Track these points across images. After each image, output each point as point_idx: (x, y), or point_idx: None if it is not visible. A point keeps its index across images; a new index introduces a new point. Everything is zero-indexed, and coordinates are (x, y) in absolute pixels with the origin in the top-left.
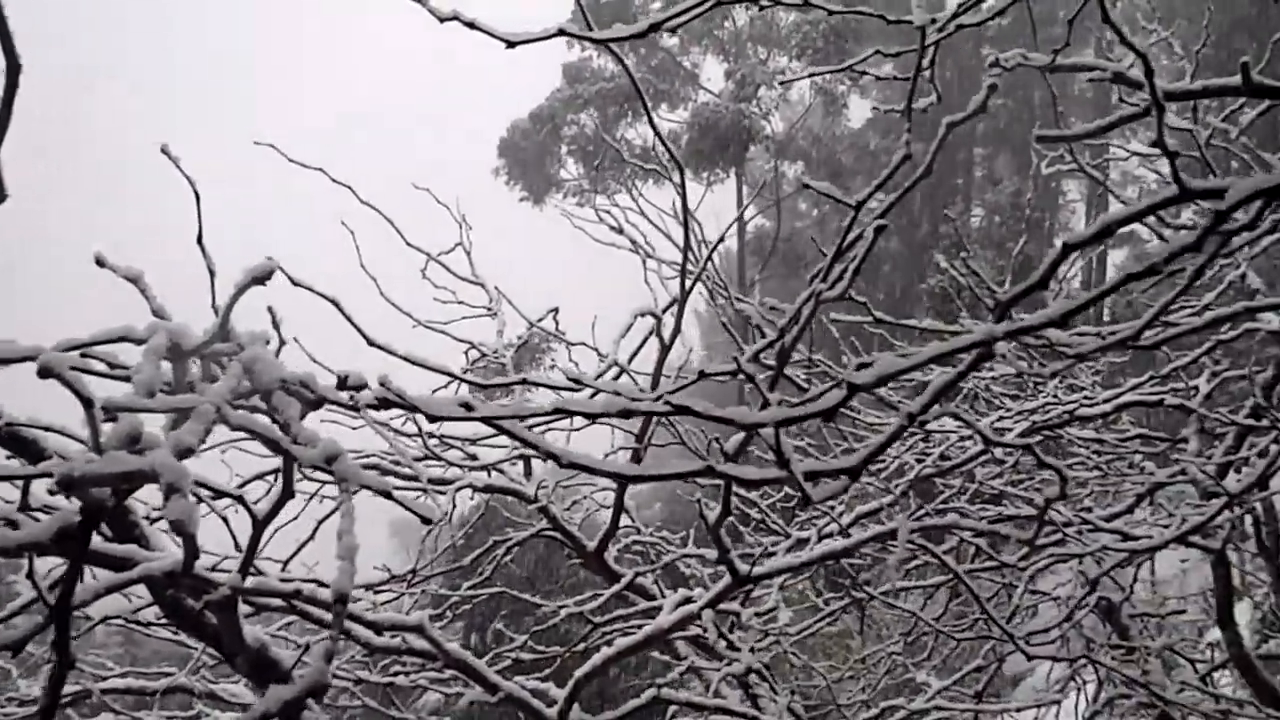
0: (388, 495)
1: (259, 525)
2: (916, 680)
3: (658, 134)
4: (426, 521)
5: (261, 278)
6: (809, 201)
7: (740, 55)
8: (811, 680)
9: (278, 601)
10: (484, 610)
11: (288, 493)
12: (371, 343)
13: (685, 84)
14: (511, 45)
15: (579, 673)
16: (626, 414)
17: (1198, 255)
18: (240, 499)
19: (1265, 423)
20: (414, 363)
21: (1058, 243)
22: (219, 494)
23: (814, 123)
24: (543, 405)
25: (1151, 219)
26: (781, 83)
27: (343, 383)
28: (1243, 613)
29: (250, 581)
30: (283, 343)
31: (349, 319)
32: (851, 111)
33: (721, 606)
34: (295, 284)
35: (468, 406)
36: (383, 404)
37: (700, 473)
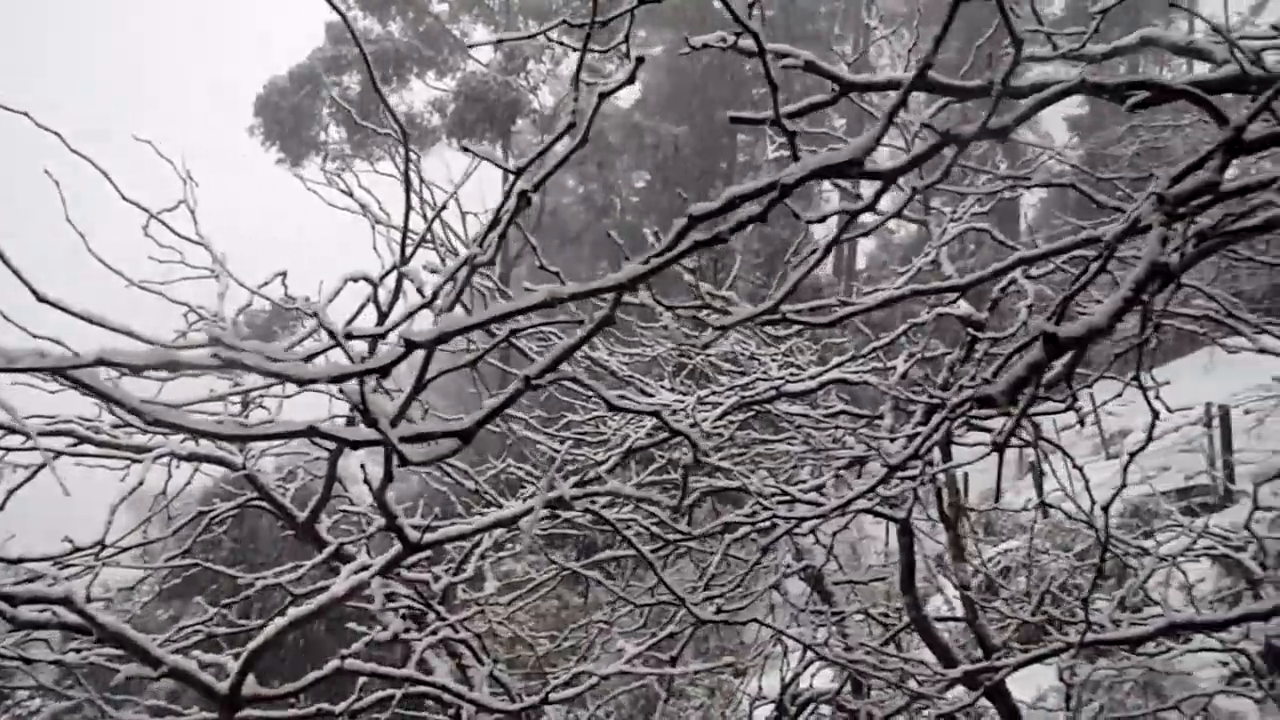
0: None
1: None
2: (616, 647)
3: (390, 110)
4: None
5: None
6: (575, 177)
7: (510, 26)
8: (533, 651)
9: None
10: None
11: None
12: (41, 298)
13: (454, 52)
14: None
15: (251, 645)
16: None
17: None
18: None
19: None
20: (91, 321)
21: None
22: None
23: (583, 99)
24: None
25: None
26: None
27: None
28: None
29: None
30: None
31: (16, 273)
32: (620, 90)
33: (412, 576)
34: None
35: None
36: None
37: (302, 433)
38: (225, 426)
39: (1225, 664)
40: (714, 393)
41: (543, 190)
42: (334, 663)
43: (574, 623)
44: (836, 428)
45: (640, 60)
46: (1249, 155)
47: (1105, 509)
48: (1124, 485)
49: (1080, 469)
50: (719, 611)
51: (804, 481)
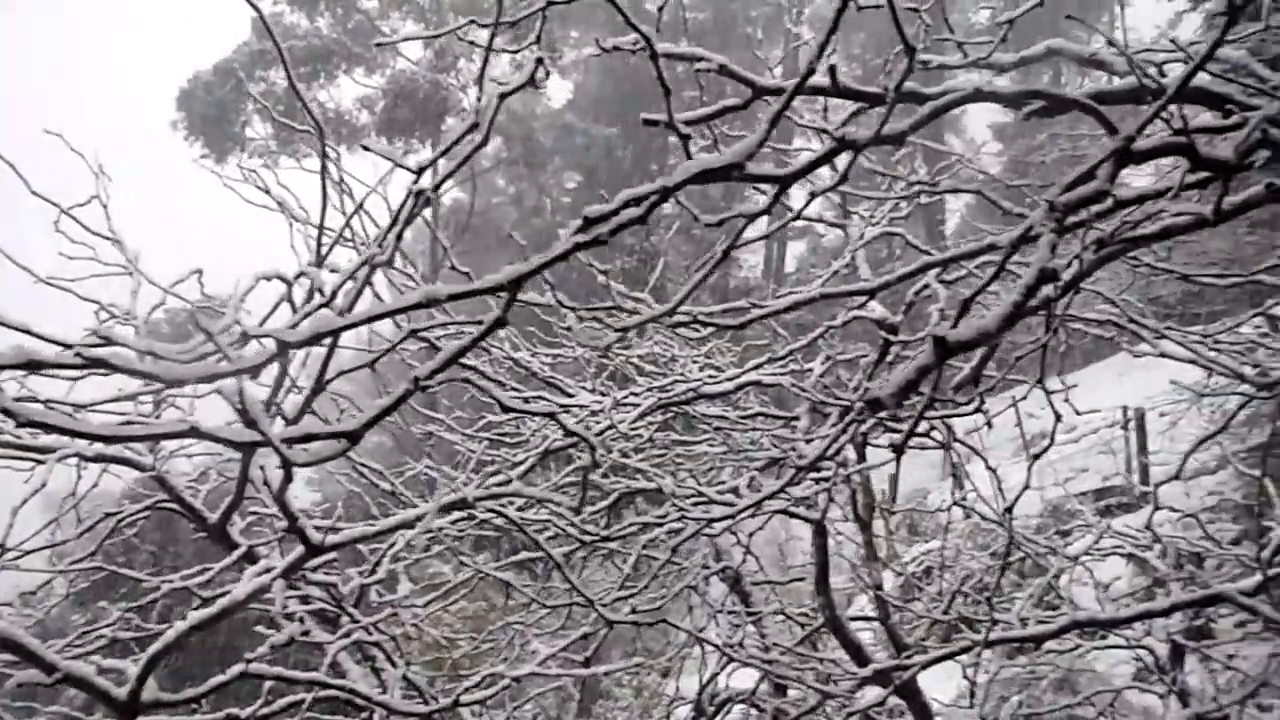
0: None
1: None
2: (531, 649)
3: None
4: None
5: None
6: (506, 177)
7: (441, 23)
8: (453, 653)
9: None
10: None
11: None
12: None
13: (384, 49)
14: None
15: (151, 649)
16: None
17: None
18: None
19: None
20: None
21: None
22: None
23: (513, 99)
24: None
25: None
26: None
27: None
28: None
29: None
30: None
31: None
32: (551, 91)
33: (322, 578)
34: None
35: None
36: None
37: (181, 434)
38: (102, 427)
39: (1138, 660)
40: (632, 394)
41: (472, 190)
42: (238, 667)
43: (499, 624)
44: (754, 429)
45: (540, 60)
46: (1138, 165)
47: (1009, 510)
48: (1027, 486)
49: (994, 470)
50: (634, 612)
51: (724, 483)
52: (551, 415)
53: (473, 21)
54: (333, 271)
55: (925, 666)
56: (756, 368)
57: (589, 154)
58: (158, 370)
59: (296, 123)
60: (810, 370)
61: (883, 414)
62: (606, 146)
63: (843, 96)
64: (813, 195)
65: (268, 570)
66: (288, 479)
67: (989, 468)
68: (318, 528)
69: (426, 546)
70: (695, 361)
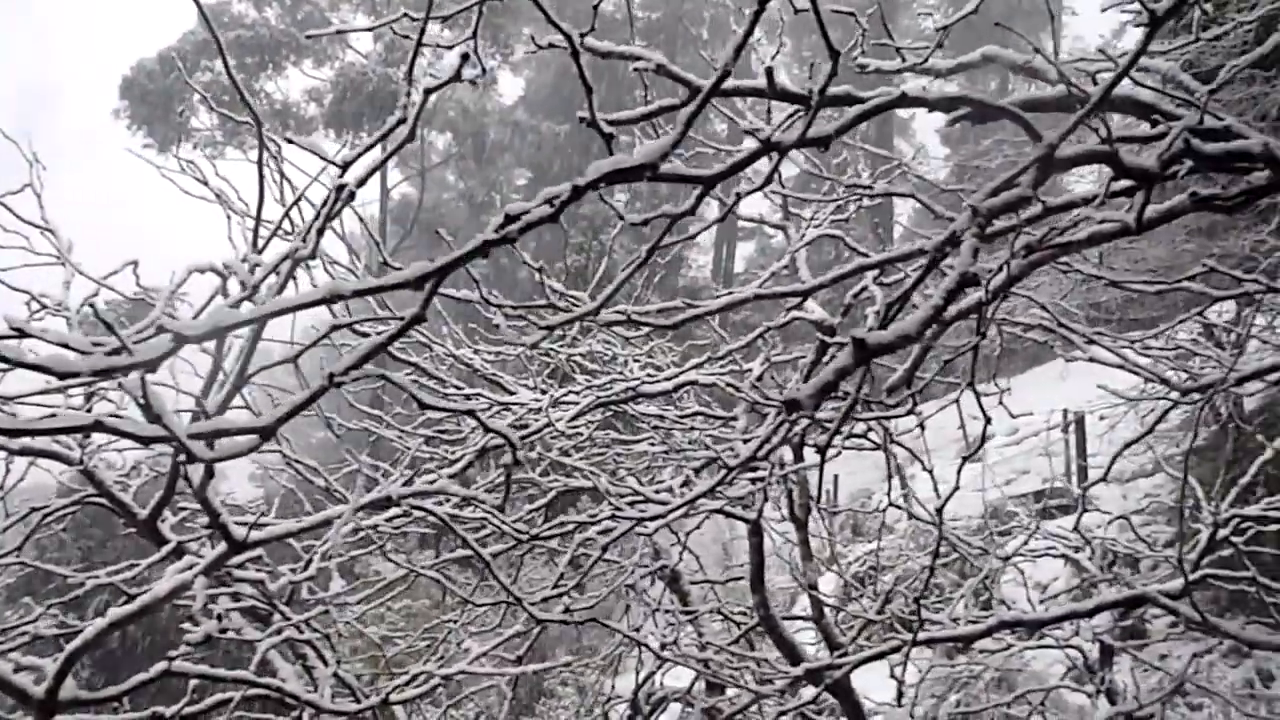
0: None
1: None
2: (464, 647)
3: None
4: None
5: None
6: (456, 173)
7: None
8: (387, 651)
9: None
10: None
11: None
12: None
13: (333, 41)
14: None
15: (70, 647)
16: None
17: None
18: None
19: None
20: None
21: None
22: None
23: (464, 95)
24: None
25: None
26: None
27: None
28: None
29: None
30: None
31: None
32: (502, 87)
33: (250, 575)
34: None
35: None
36: None
37: (87, 428)
38: (8, 420)
39: (1069, 660)
40: (572, 392)
41: (421, 186)
42: (160, 665)
43: (434, 622)
44: (693, 429)
45: (465, 56)
46: (1062, 172)
47: (940, 511)
48: (957, 488)
49: (930, 471)
50: (567, 611)
51: (663, 482)
52: (470, 413)
53: (406, 15)
54: (255, 266)
55: (856, 666)
56: (696, 367)
57: (540, 151)
58: (50, 363)
59: (245, 113)
60: (750, 370)
61: (818, 415)
62: (557, 143)
63: (779, 99)
64: (739, 197)
65: (191, 567)
66: (208, 475)
67: (925, 469)
68: (240, 524)
69: (357, 543)
70: (637, 360)
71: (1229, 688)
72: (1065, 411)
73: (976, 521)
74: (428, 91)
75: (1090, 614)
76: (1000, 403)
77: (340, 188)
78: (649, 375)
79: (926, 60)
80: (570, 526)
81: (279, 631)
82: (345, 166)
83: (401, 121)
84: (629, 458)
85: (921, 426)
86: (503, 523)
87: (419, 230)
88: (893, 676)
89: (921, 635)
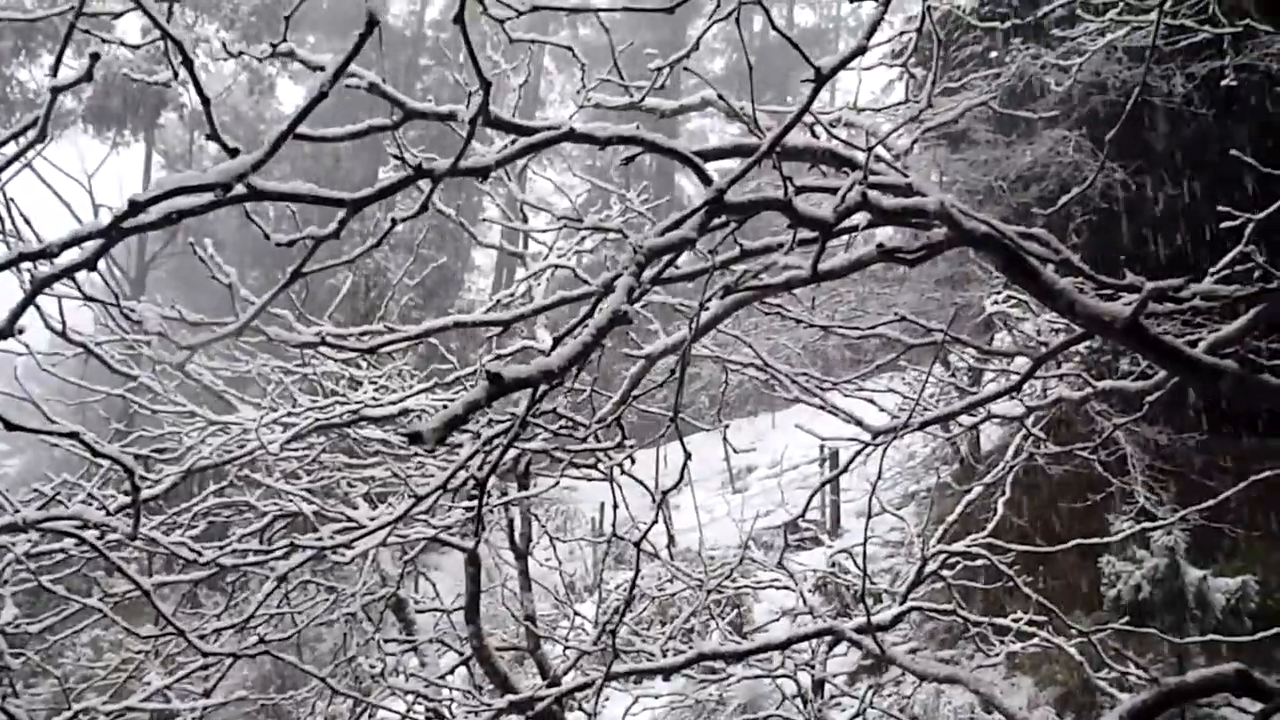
0: None
1: None
2: (145, 679)
3: None
4: None
5: None
6: None
7: (166, 15)
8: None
9: None
10: None
11: None
12: None
13: (98, 31)
14: None
15: None
16: None
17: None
18: None
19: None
20: None
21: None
22: None
23: (239, 100)
24: None
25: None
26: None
27: None
28: None
29: None
30: None
31: None
32: (283, 95)
33: None
34: None
35: None
36: None
37: None
38: None
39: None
40: (290, 413)
41: None
42: None
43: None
44: (418, 454)
45: (96, 56)
46: (737, 216)
47: (669, 545)
48: (699, 524)
49: (661, 503)
50: (261, 641)
51: (392, 507)
52: (74, 435)
53: (60, 13)
54: None
55: (559, 698)
56: (422, 391)
57: (318, 162)
58: None
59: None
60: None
61: (545, 446)
62: (336, 155)
63: (442, 120)
64: (394, 222)
65: None
66: None
67: (655, 501)
68: None
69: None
70: (373, 383)
71: (953, 712)
72: (822, 446)
73: (735, 551)
74: (54, 91)
75: (782, 646)
76: (724, 439)
77: None
78: (374, 399)
79: (643, 100)
80: (277, 552)
81: None
82: None
83: (36, 120)
84: (360, 482)
85: (687, 455)
86: (173, 552)
87: (184, 236)
88: (582, 709)
89: (622, 668)
